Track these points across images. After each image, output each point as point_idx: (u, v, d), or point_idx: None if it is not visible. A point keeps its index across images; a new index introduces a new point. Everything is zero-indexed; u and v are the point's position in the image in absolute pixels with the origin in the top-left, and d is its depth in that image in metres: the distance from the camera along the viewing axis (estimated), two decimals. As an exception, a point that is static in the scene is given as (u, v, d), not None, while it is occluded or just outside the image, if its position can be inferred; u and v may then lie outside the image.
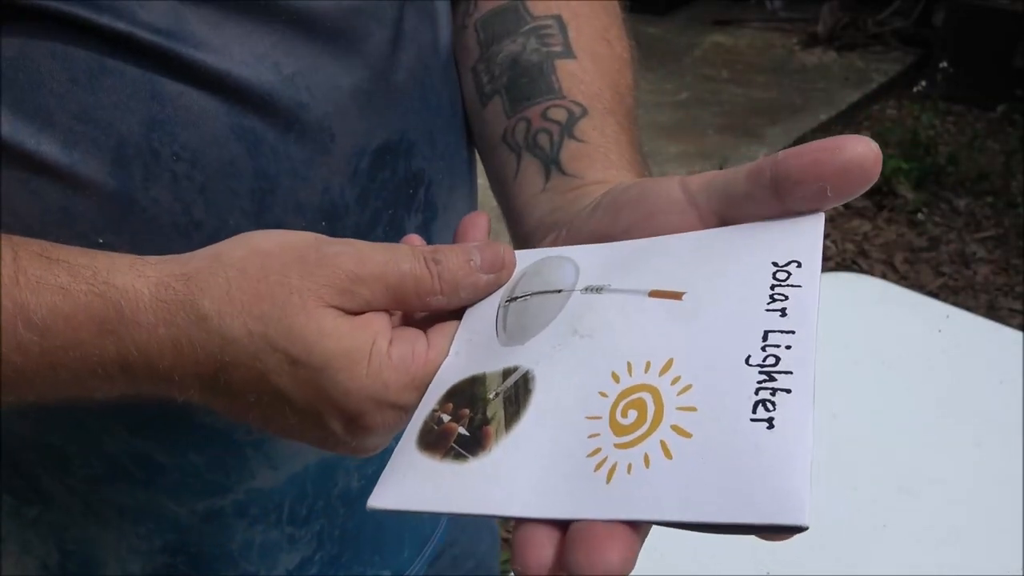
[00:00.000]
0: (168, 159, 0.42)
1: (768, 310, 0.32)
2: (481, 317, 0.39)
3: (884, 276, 2.34)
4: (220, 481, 0.52)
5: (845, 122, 3.35)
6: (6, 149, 0.40)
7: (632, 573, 0.29)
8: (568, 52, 0.50)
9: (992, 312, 2.34)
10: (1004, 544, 0.75)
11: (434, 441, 0.34)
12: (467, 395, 0.36)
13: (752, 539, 0.31)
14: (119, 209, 0.42)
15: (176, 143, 0.42)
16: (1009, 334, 0.99)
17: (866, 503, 0.78)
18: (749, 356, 0.31)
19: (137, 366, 0.36)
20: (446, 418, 0.35)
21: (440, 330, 0.39)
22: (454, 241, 0.42)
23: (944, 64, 3.49)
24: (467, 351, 0.38)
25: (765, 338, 0.31)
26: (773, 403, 0.29)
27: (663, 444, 0.30)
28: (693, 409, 0.30)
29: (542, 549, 0.29)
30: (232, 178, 0.43)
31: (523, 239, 0.46)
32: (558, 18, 0.52)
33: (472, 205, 0.59)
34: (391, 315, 0.39)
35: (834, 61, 3.82)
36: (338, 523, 0.58)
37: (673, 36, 4.09)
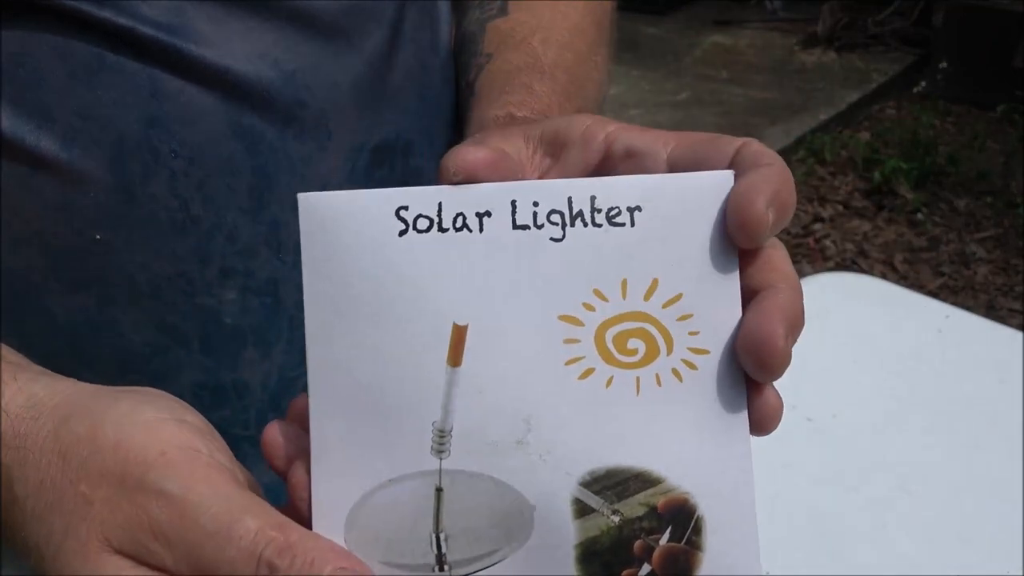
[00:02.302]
0: (166, 156, 0.42)
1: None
2: None
3: (884, 276, 2.34)
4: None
5: (845, 122, 3.35)
6: (6, 144, 0.40)
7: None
8: (502, 11, 0.49)
9: (992, 312, 2.34)
10: (1004, 544, 0.74)
11: None
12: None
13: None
14: (117, 205, 0.42)
15: (175, 140, 0.42)
16: (1009, 334, 0.99)
17: (866, 503, 0.78)
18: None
19: None
20: None
21: None
22: None
23: (944, 64, 3.49)
24: None
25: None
26: None
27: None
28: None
29: None
30: (230, 175, 0.43)
31: None
32: None
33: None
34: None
35: (834, 61, 3.82)
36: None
37: (673, 36, 4.09)
